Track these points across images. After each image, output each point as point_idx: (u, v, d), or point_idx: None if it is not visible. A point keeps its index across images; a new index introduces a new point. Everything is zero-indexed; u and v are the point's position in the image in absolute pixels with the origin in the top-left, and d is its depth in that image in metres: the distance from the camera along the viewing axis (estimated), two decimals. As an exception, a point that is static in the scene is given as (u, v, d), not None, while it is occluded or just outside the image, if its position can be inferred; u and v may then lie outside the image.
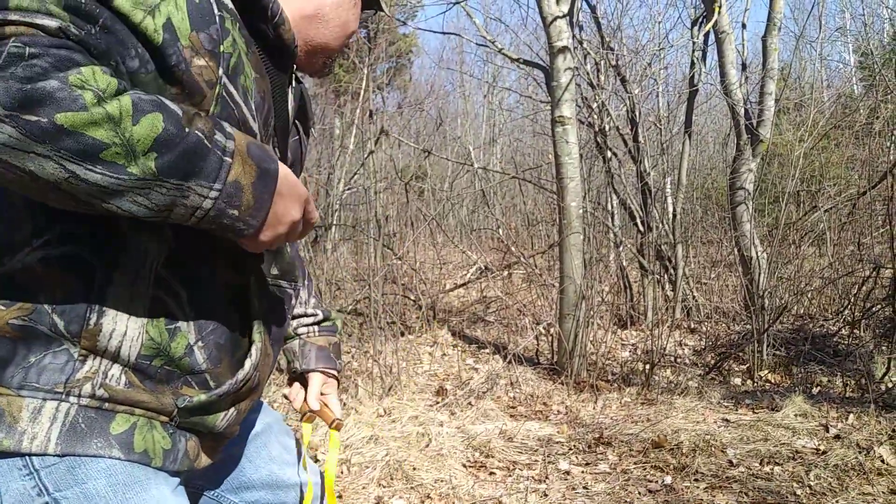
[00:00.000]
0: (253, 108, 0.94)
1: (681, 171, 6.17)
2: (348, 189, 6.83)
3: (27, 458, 0.86)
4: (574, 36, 5.60)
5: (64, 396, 0.86)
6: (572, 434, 3.52)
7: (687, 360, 4.85)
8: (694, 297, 6.12)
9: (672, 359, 4.83)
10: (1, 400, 0.85)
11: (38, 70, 0.71)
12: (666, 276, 5.97)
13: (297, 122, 1.13)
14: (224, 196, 0.81)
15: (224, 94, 0.88)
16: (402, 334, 5.38)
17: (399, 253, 6.50)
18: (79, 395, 0.86)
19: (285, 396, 1.33)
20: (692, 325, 5.79)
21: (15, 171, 0.72)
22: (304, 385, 1.32)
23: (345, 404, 3.86)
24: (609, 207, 6.83)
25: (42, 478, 0.86)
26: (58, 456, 0.86)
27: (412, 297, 6.26)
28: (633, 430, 3.47)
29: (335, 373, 1.28)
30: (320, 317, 1.35)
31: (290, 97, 1.08)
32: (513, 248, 6.52)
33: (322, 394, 1.28)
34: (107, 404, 0.87)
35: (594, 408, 3.94)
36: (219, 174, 0.80)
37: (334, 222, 6.27)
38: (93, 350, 0.87)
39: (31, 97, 0.70)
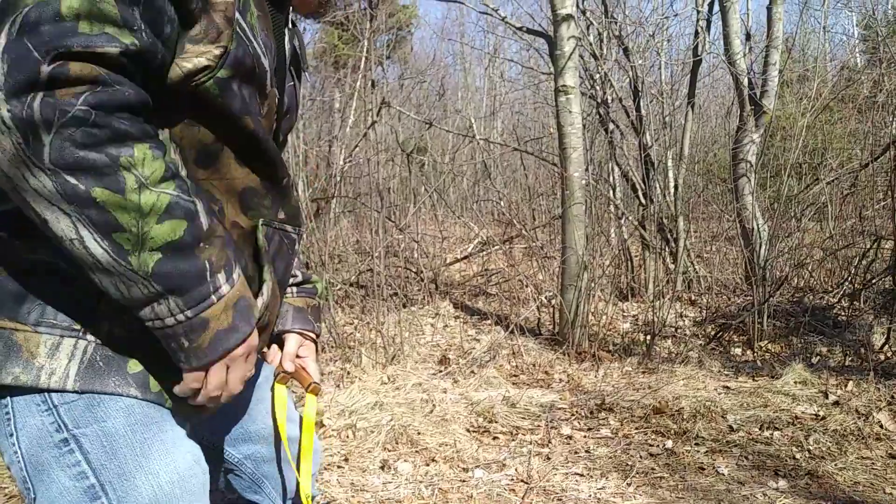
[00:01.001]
0: (262, 45, 0.95)
1: (683, 143, 6.17)
2: (349, 161, 6.81)
3: (46, 394, 0.87)
4: (577, 5, 5.56)
5: (81, 334, 0.87)
6: (574, 401, 3.57)
7: (687, 331, 4.89)
8: (695, 269, 6.15)
9: (673, 330, 4.87)
10: (17, 335, 0.86)
11: (95, 140, 0.75)
12: (667, 248, 5.99)
13: (291, 66, 1.12)
14: (187, 325, 0.84)
15: (238, 30, 0.89)
16: (405, 306, 5.41)
17: (401, 226, 6.51)
18: (96, 334, 0.88)
19: (262, 357, 1.28)
20: (693, 297, 5.83)
21: (31, 211, 0.77)
22: (281, 347, 1.28)
23: (348, 372, 3.91)
24: (611, 180, 6.83)
25: (61, 414, 0.87)
26: (77, 392, 0.87)
27: (414, 270, 6.29)
28: (634, 397, 3.52)
29: (313, 335, 1.27)
30: (300, 278, 1.32)
31: (286, 39, 1.08)
32: (514, 221, 6.54)
33: (299, 356, 1.25)
34: (123, 343, 0.89)
35: (595, 376, 3.99)
36: (198, 305, 0.83)
37: (335, 194, 6.26)
38: None
39: (80, 164, 0.74)
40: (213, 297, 0.84)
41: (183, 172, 0.86)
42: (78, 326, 0.88)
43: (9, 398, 0.88)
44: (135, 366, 0.90)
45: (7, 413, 0.89)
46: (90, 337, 0.88)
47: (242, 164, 0.97)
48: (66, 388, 0.87)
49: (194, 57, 0.86)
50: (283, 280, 1.10)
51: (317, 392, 1.23)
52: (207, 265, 0.83)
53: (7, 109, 0.72)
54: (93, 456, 0.88)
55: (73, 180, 0.74)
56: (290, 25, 1.09)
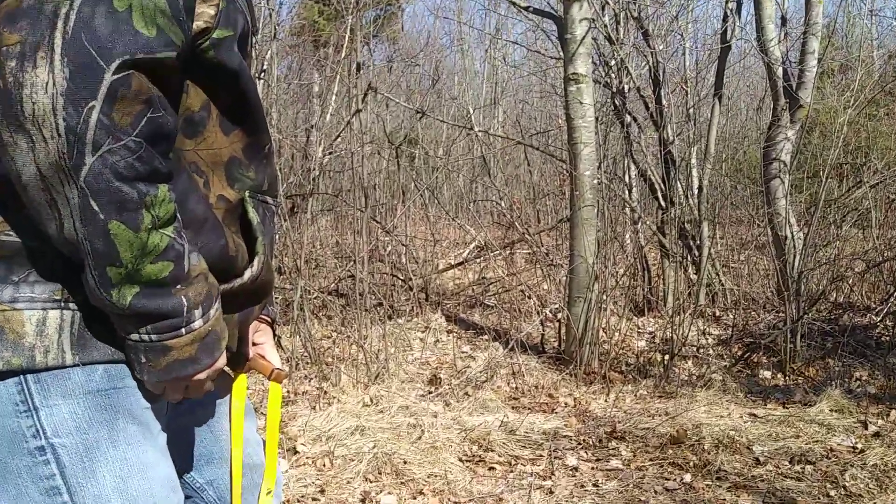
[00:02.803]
0: (243, 1, 1.03)
1: (709, 139, 6.23)
2: (329, 153, 6.85)
3: (27, 394, 0.90)
4: (591, -19, 5.62)
5: (64, 304, 0.92)
6: (581, 428, 3.61)
7: (711, 351, 4.94)
8: (720, 281, 6.20)
9: (694, 349, 4.92)
10: None
11: (135, 174, 0.83)
12: (689, 257, 6.04)
13: None
14: (149, 346, 0.92)
15: None
16: (390, 318, 5.44)
17: (387, 227, 6.55)
18: (77, 301, 0.92)
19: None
20: (717, 313, 5.88)
21: (55, 211, 0.84)
22: None
23: (325, 392, 3.94)
24: (626, 179, 6.88)
25: (41, 418, 0.91)
26: (76, 367, 0.92)
27: (401, 277, 6.32)
28: (649, 425, 3.56)
29: (268, 319, 1.31)
30: None
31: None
32: (516, 224, 6.58)
33: (255, 343, 1.28)
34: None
35: (606, 400, 4.03)
36: (164, 333, 0.91)
37: (313, 191, 6.30)
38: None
39: (110, 194, 0.82)
40: (183, 331, 0.92)
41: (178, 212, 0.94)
42: (59, 296, 0.92)
43: None
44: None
45: None
46: (73, 305, 0.92)
47: (227, 133, 1.03)
48: (66, 364, 0.91)
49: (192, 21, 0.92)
50: (269, 254, 1.15)
51: (281, 379, 1.26)
52: (184, 301, 0.91)
53: (63, 118, 0.79)
54: (69, 471, 0.92)
55: (96, 207, 0.83)
56: None
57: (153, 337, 0.91)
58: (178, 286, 0.90)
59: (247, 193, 1.07)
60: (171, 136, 0.89)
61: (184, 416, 1.16)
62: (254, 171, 1.08)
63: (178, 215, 0.91)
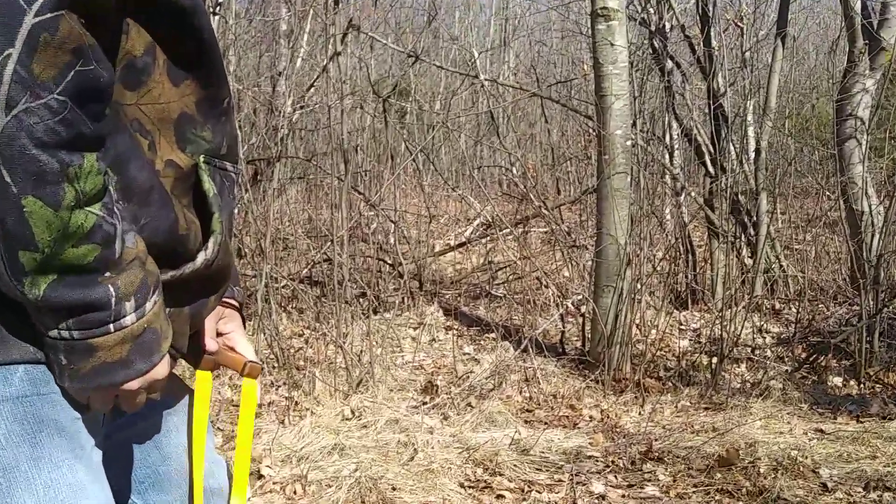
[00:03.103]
0: None
1: (769, 90, 6.21)
2: (300, 107, 6.83)
3: None
4: None
5: None
6: (610, 447, 3.63)
7: (769, 353, 4.96)
8: (781, 266, 6.21)
9: (748, 350, 4.93)
10: None
11: (56, 140, 0.83)
12: (743, 237, 6.04)
13: None
14: (69, 345, 0.92)
15: None
16: (376, 311, 5.46)
17: (372, 199, 6.54)
18: None
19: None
20: (777, 306, 5.90)
21: None
22: None
23: (297, 403, 3.96)
24: (667, 140, 6.87)
25: None
26: None
27: (389, 262, 6.33)
28: (692, 443, 3.59)
29: (235, 303, 1.31)
30: None
31: None
32: (531, 196, 6.58)
33: (221, 333, 1.29)
34: None
35: (640, 413, 4.05)
36: (89, 330, 0.91)
37: (281, 154, 6.29)
38: None
39: (26, 163, 0.82)
40: (111, 327, 0.93)
41: (112, 182, 0.94)
42: None
43: None
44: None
45: None
46: None
47: (176, 83, 1.03)
48: None
49: None
50: (228, 230, 1.16)
51: (256, 374, 1.27)
52: (112, 290, 0.92)
53: None
54: None
55: (8, 178, 0.83)
56: None
57: (75, 334, 0.91)
58: (107, 273, 0.90)
59: (201, 158, 1.07)
60: (105, 95, 0.89)
61: (123, 428, 1.17)
62: (210, 130, 1.08)
63: (111, 188, 0.91)
